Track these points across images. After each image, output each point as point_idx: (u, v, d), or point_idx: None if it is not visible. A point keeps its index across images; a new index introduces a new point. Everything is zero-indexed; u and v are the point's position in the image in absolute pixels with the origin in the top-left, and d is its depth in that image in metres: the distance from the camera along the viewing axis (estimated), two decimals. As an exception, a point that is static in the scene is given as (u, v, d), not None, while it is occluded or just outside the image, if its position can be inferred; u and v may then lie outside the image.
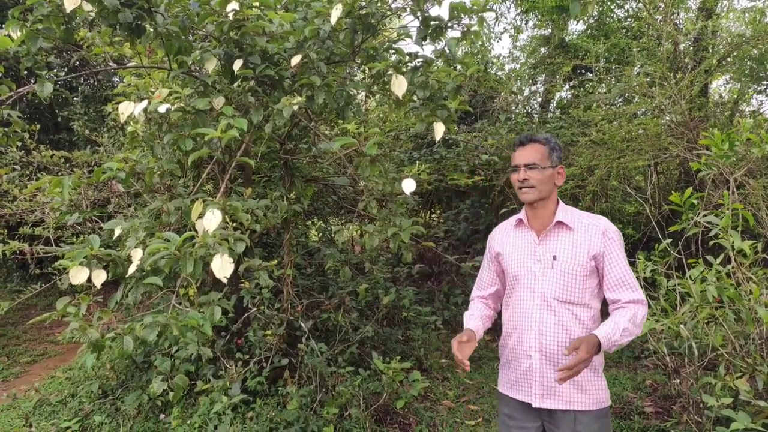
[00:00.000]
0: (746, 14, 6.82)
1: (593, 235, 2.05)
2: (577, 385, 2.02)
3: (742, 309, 2.93)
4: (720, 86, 8.14)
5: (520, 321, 2.13)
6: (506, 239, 2.25)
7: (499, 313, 2.34)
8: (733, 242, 2.94)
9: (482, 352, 5.49)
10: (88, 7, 2.44)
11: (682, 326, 3.14)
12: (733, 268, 3.07)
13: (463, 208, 7.21)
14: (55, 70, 7.48)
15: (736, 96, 6.99)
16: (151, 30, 2.71)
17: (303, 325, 3.94)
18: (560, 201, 2.18)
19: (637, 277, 3.47)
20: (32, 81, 6.70)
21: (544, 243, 2.11)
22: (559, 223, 2.10)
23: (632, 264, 3.62)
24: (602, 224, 2.07)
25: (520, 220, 2.21)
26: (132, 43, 2.76)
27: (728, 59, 6.52)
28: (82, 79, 8.68)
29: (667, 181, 7.08)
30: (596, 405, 2.04)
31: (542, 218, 2.15)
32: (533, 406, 2.07)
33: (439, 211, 8.35)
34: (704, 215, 3.08)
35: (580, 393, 2.03)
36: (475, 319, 2.23)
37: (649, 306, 3.44)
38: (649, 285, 3.59)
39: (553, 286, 2.05)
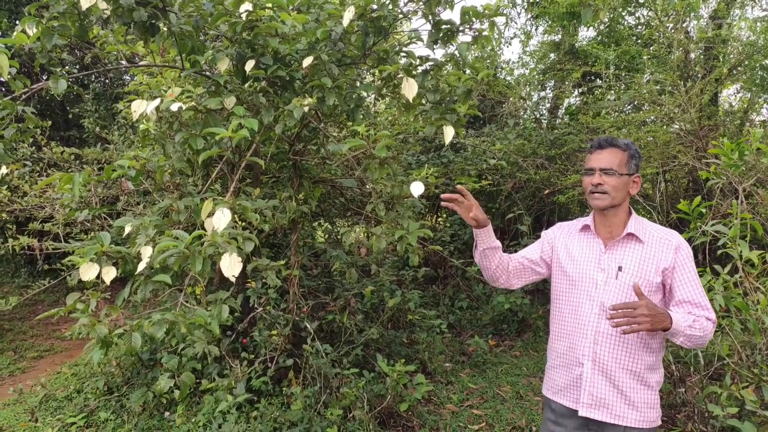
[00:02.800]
0: (758, 23, 6.79)
1: (665, 249, 1.99)
2: (627, 399, 1.97)
3: (749, 319, 2.92)
4: (730, 95, 8.11)
5: (574, 327, 2.08)
6: (570, 240, 2.19)
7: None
8: (741, 252, 2.93)
9: (487, 357, 5.48)
10: (103, 5, 2.46)
11: (688, 335, 3.13)
12: (740, 277, 3.05)
13: (469, 212, 7.19)
14: (67, 67, 7.53)
15: (746, 105, 6.97)
16: (165, 29, 2.73)
17: (308, 326, 3.95)
18: (632, 211, 2.12)
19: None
20: (45, 77, 6.75)
21: (610, 252, 2.05)
22: (630, 234, 2.04)
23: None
24: (675, 240, 2.00)
25: (587, 226, 2.16)
26: (145, 42, 2.78)
27: (739, 68, 6.50)
28: (93, 76, 8.74)
29: (676, 189, 7.05)
30: (648, 423, 1.97)
31: (611, 226, 2.09)
32: (579, 414, 2.03)
33: (445, 215, 8.34)
34: (712, 224, 3.08)
35: (630, 408, 1.97)
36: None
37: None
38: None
39: (615, 297, 1.99)
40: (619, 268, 2.01)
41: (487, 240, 2.17)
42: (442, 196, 2.08)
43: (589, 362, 2.02)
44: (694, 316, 1.87)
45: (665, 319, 1.79)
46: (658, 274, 1.97)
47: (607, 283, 2.01)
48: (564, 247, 2.19)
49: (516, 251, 2.41)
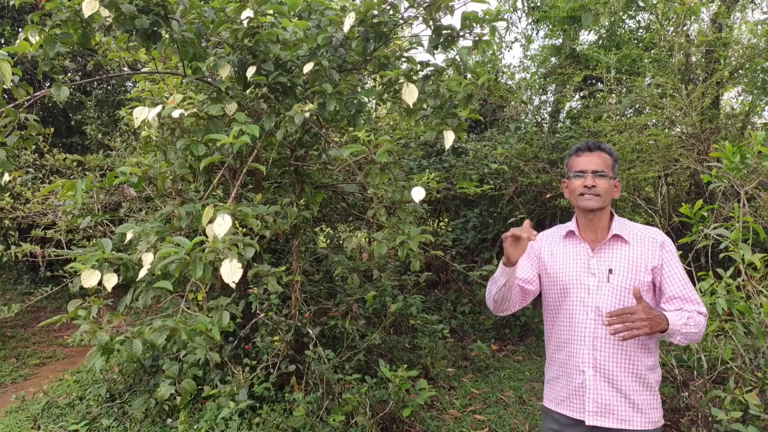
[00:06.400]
0: (759, 26, 6.80)
1: (650, 248, 2.00)
2: (632, 403, 1.95)
3: (752, 322, 2.91)
4: (731, 98, 8.09)
5: (571, 335, 2.04)
6: (555, 248, 2.16)
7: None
8: (743, 255, 2.92)
9: (489, 362, 5.47)
10: (105, 12, 2.48)
11: (691, 339, 3.12)
12: (743, 281, 3.04)
13: (471, 216, 7.21)
14: (69, 74, 7.56)
15: (747, 108, 6.96)
16: (167, 36, 2.74)
17: (310, 331, 3.94)
18: (614, 213, 2.11)
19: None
20: (47, 85, 6.77)
21: (598, 256, 2.04)
22: (616, 236, 2.03)
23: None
24: (659, 237, 2.02)
25: (571, 231, 2.13)
26: (147, 49, 2.80)
27: (740, 71, 6.49)
28: (95, 83, 8.77)
29: (678, 192, 7.04)
30: (652, 424, 1.97)
31: (597, 230, 2.08)
32: (586, 423, 1.99)
33: (447, 220, 8.33)
34: (714, 228, 3.07)
35: (635, 412, 1.95)
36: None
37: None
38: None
39: (609, 300, 1.98)
40: (610, 271, 2.00)
41: (515, 273, 2.04)
42: (514, 232, 1.86)
43: (590, 369, 1.99)
44: (687, 313, 1.88)
45: (662, 320, 1.79)
46: (648, 273, 1.97)
47: (599, 288, 2.00)
48: (550, 256, 2.15)
49: None
